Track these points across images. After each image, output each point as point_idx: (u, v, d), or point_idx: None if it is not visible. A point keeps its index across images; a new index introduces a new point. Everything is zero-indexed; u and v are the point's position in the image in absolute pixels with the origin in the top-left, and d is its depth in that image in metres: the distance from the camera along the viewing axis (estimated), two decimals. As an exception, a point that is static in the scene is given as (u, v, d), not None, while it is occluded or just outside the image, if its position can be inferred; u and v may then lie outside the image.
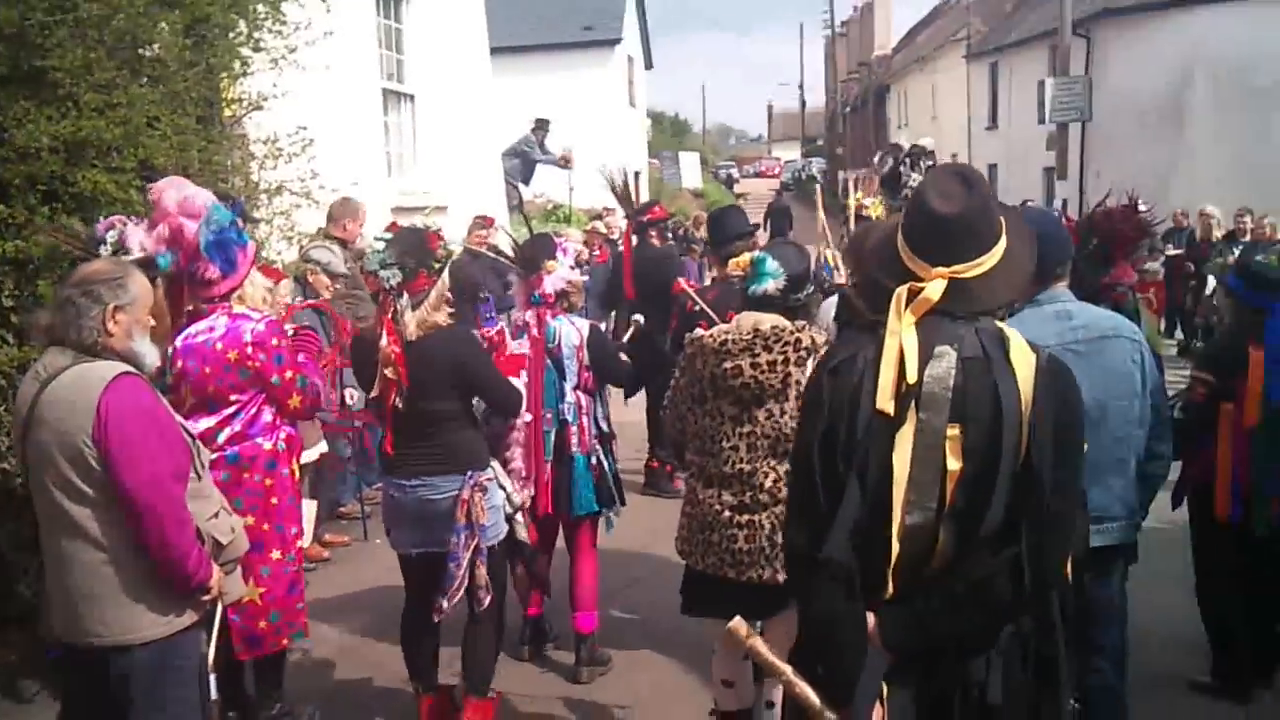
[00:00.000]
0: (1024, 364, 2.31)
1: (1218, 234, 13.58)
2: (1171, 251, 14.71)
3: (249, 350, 4.21)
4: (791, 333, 3.65)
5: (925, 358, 2.32)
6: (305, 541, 5.04)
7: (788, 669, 2.37)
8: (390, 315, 4.24)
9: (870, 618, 2.34)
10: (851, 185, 8.15)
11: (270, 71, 6.93)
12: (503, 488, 4.42)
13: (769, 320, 3.69)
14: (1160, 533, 4.84)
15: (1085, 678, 3.38)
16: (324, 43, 7.29)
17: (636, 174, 26.84)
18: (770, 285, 3.71)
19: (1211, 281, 12.64)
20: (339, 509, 7.86)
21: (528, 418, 4.86)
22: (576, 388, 5.06)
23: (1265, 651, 4.74)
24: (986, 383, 2.30)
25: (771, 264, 3.73)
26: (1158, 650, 5.01)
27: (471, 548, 4.29)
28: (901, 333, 2.34)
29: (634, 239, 8.95)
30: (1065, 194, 21.86)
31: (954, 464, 2.30)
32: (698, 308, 5.26)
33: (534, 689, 5.14)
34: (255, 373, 4.26)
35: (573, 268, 5.25)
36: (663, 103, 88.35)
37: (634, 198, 10.06)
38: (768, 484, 3.66)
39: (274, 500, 4.38)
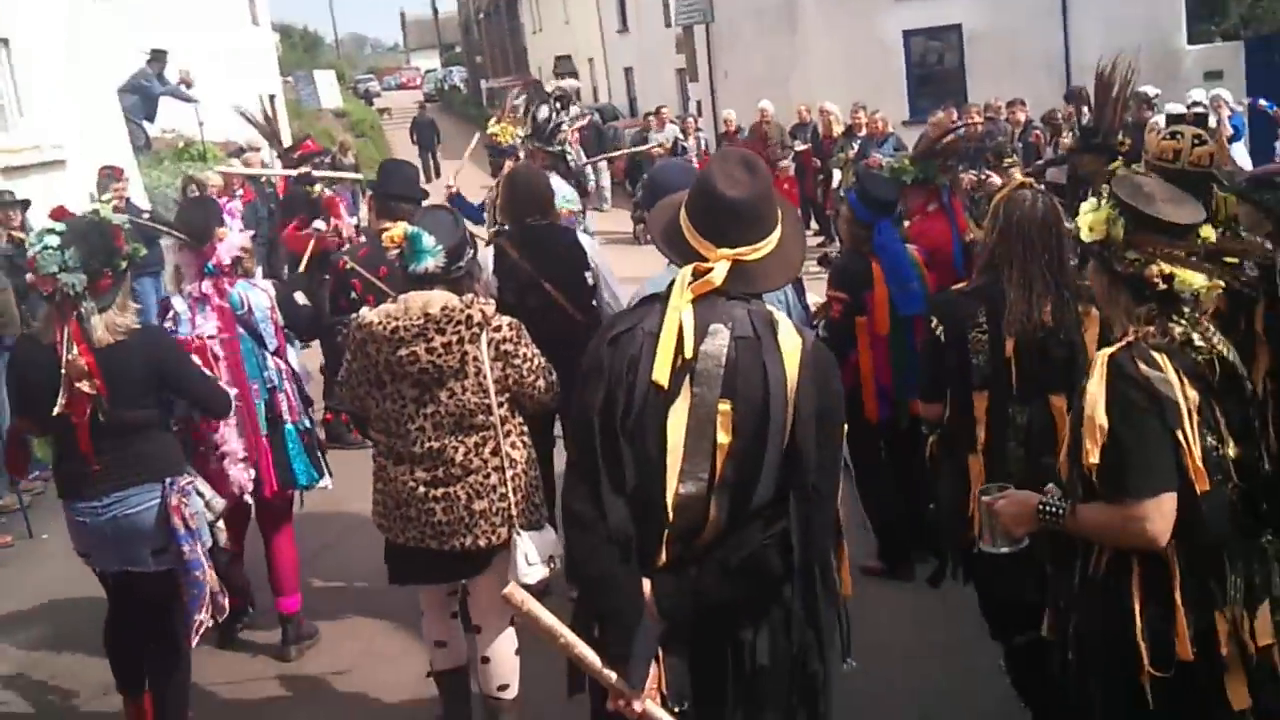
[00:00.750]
0: (791, 347, 2.43)
1: (838, 129, 14.61)
2: (799, 147, 15.76)
3: None
4: (462, 310, 3.64)
5: (701, 334, 2.42)
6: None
7: (566, 631, 2.43)
8: (76, 322, 3.84)
9: (645, 584, 2.43)
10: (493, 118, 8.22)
11: None
12: (200, 494, 4.14)
13: (438, 301, 3.65)
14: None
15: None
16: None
17: (272, 98, 25.41)
18: (430, 264, 3.66)
19: (837, 175, 13.71)
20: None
21: (233, 392, 4.58)
22: (275, 353, 4.88)
23: (920, 532, 5.31)
24: (756, 362, 2.40)
25: (428, 240, 3.65)
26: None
27: (202, 552, 4.03)
28: (681, 309, 2.43)
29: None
30: (698, 95, 22.78)
31: (724, 438, 2.41)
32: (349, 267, 5.18)
33: (240, 675, 4.98)
34: None
35: (241, 231, 5.01)
36: (289, 16, 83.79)
37: (277, 131, 9.64)
38: (458, 458, 3.70)
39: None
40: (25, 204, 8.43)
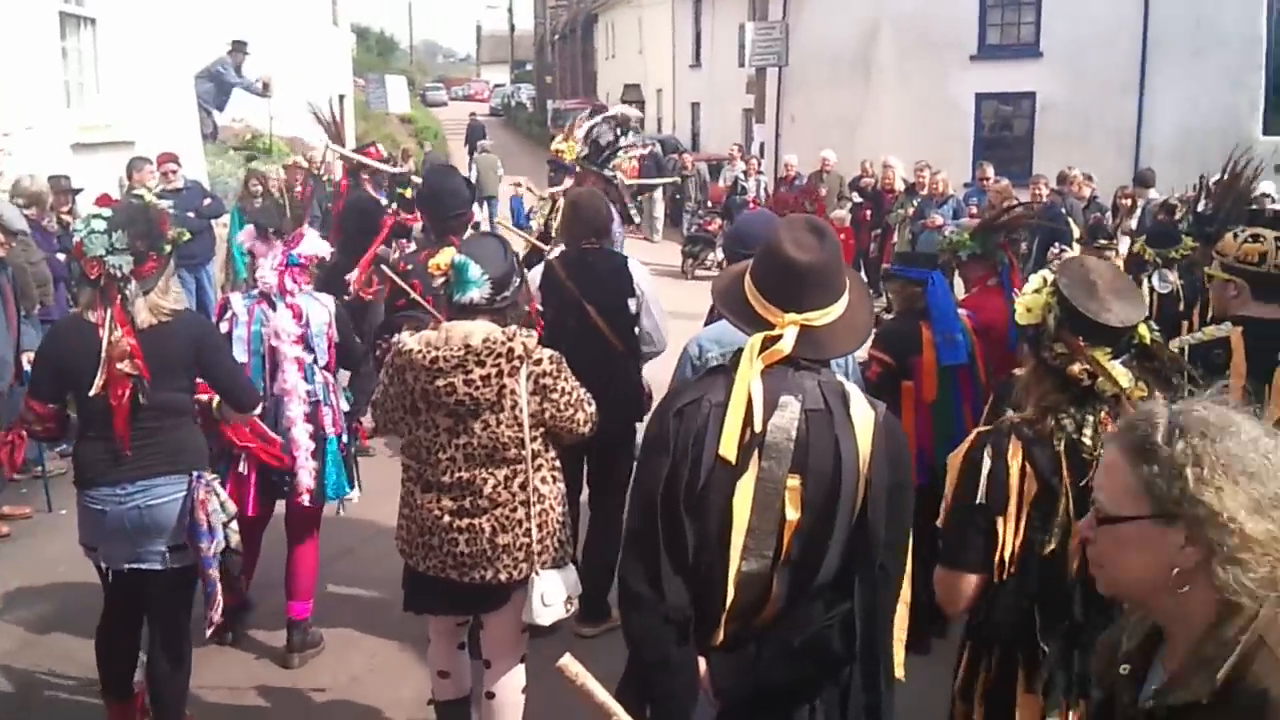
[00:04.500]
0: (864, 420, 2.37)
1: (899, 185, 14.55)
2: (856, 199, 15.72)
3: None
4: (504, 343, 3.57)
5: (770, 407, 2.35)
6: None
7: (618, 709, 2.33)
8: (120, 304, 3.86)
9: (701, 663, 2.36)
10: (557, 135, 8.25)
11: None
12: (217, 494, 4.11)
13: (480, 332, 3.59)
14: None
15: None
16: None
17: (341, 98, 25.73)
18: (475, 294, 3.61)
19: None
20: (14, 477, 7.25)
21: (303, 389, 4.73)
22: (325, 367, 4.90)
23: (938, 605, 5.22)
24: (828, 436, 2.35)
25: (474, 271, 3.60)
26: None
27: (217, 551, 4.02)
28: (750, 380, 2.36)
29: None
30: (762, 137, 22.77)
31: (793, 514, 2.34)
32: (408, 267, 5.19)
33: (241, 679, 4.94)
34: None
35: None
36: (367, 19, 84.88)
37: (340, 133, 9.72)
38: (487, 490, 3.65)
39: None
40: (77, 190, 8.57)
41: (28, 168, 7.51)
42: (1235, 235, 3.95)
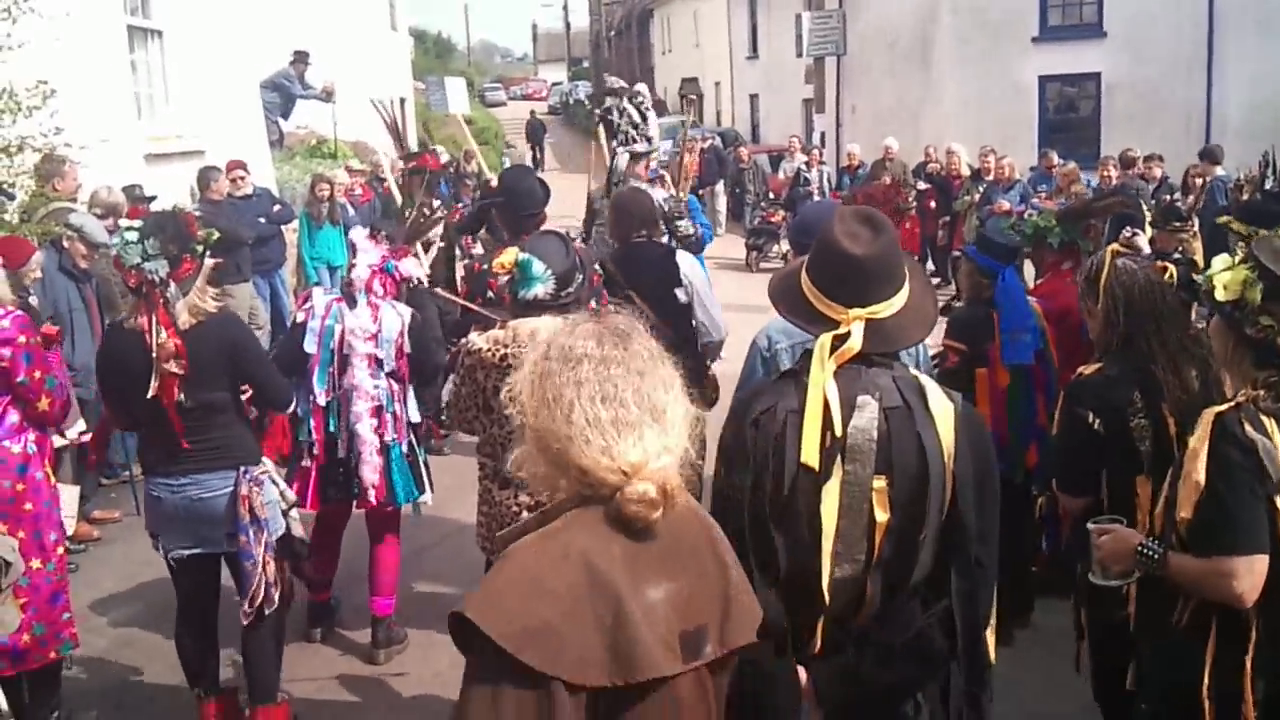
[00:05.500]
0: (944, 413, 2.34)
1: (965, 171, 14.38)
2: (922, 186, 15.54)
3: (-5, 348, 3.95)
4: None
5: (848, 408, 2.31)
6: (70, 528, 4.83)
7: None
8: (163, 307, 4.02)
9: (801, 673, 2.33)
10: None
11: (3, 22, 6.38)
12: (275, 483, 4.30)
13: (546, 328, 3.64)
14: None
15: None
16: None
17: (402, 101, 25.99)
18: (540, 290, 3.66)
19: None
20: (102, 481, 7.44)
21: (374, 387, 4.88)
22: (391, 374, 4.97)
23: (1021, 594, 5.17)
24: (910, 433, 2.31)
25: (538, 267, 3.65)
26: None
27: (263, 543, 4.17)
28: (825, 383, 2.32)
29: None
30: (823, 126, 22.64)
31: (882, 515, 2.31)
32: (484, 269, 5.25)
33: (329, 673, 5.05)
34: (1, 372, 4.06)
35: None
36: (424, 22, 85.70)
37: (403, 136, 9.81)
38: None
39: (27, 506, 4.17)
40: (151, 199, 8.75)
41: (103, 180, 7.70)
42: None
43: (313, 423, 4.92)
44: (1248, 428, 2.53)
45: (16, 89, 6.56)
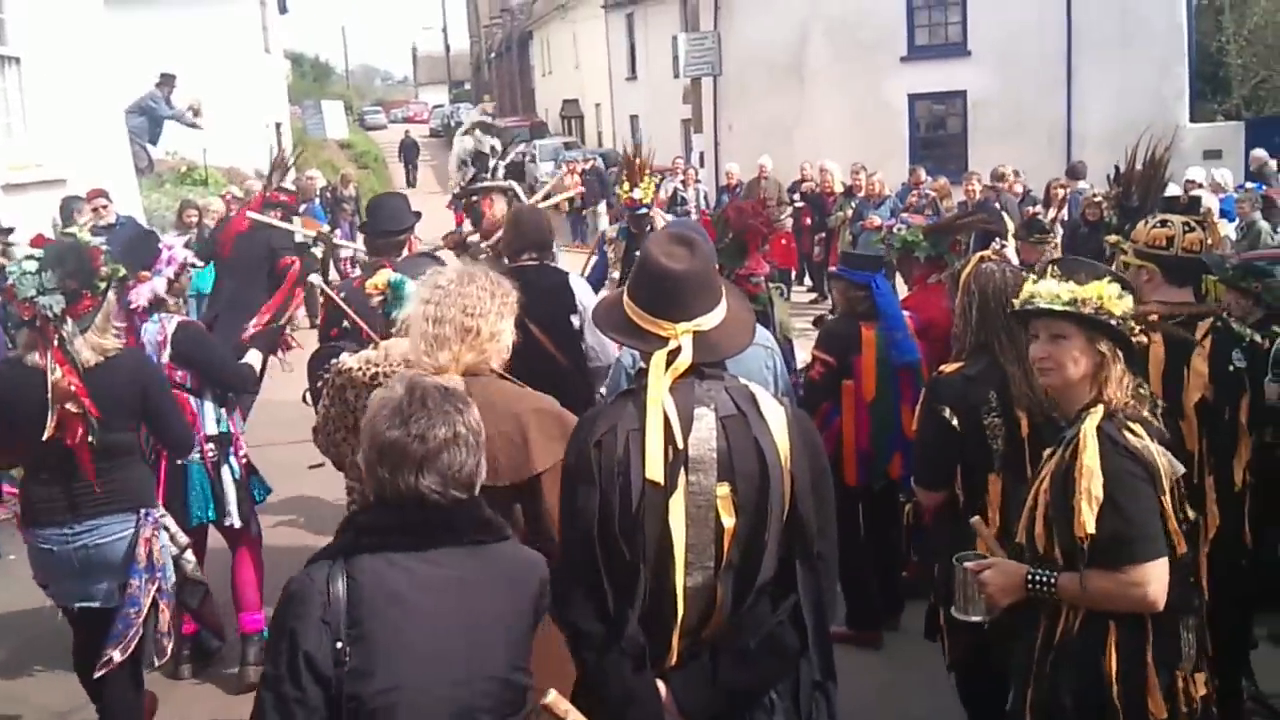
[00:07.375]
0: (777, 417, 2.41)
1: (838, 188, 14.68)
2: (797, 204, 15.83)
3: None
4: None
5: (687, 421, 2.37)
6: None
7: None
8: (58, 345, 3.82)
9: (661, 686, 2.37)
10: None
11: None
12: (167, 529, 4.11)
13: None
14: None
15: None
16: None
17: (278, 125, 25.55)
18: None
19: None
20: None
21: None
22: (178, 387, 4.74)
23: (891, 598, 5.29)
24: (748, 439, 2.37)
25: (410, 287, 3.63)
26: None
27: (152, 592, 3.97)
28: (662, 399, 2.37)
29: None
30: (701, 147, 22.89)
31: (728, 521, 2.36)
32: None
33: (194, 707, 4.86)
34: None
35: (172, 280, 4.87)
36: (301, 45, 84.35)
37: (286, 165, 9.58)
38: None
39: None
40: (8, 230, 8.43)
41: (-42, 210, 7.42)
42: (1146, 222, 4.02)
43: None
44: (1128, 435, 2.64)
45: None
